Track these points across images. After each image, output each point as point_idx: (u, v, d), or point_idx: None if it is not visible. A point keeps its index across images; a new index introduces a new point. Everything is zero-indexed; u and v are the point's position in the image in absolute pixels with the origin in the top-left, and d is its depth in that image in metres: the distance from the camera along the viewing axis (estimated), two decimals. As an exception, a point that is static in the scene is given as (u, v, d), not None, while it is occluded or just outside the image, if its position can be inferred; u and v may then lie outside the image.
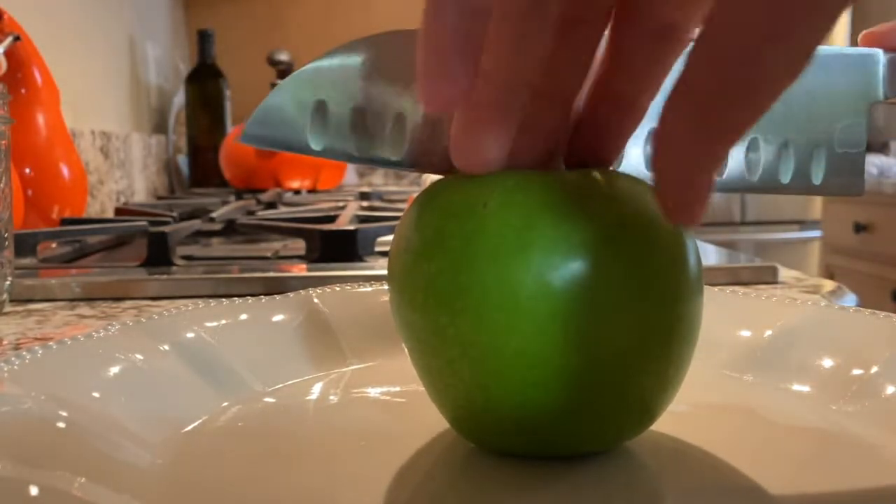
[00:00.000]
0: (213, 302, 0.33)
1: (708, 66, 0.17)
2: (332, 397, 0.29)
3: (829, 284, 0.49)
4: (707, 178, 0.19)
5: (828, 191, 0.27)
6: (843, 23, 2.30)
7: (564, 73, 0.22)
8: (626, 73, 0.22)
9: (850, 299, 0.47)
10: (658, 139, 0.19)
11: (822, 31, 0.16)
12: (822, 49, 0.23)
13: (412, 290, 0.22)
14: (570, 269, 0.20)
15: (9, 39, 0.66)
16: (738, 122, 0.18)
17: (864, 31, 0.26)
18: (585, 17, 0.21)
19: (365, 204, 0.91)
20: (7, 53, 0.66)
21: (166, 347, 0.29)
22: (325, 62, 0.24)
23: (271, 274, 0.51)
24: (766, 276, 0.51)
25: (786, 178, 0.27)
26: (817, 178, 0.27)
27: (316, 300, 0.35)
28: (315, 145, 0.25)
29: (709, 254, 0.60)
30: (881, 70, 0.26)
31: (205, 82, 1.33)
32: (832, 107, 0.26)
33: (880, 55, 0.26)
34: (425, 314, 0.22)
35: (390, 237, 0.59)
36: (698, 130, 0.18)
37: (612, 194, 0.21)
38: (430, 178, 0.25)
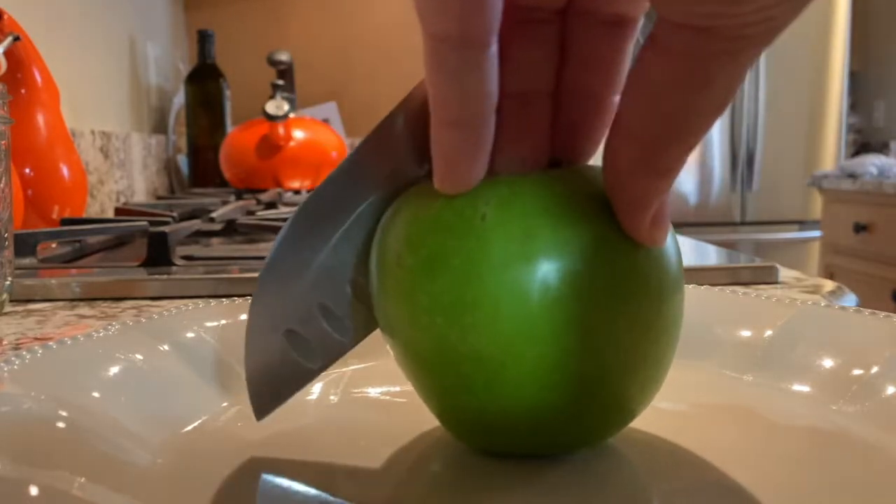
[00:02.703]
0: (213, 302, 0.33)
1: (644, 114, 0.19)
2: (332, 397, 0.29)
3: (829, 284, 0.49)
4: (658, 204, 0.20)
5: None
6: (843, 12, 2.30)
7: (531, 71, 0.23)
8: (587, 68, 0.23)
9: (850, 299, 0.47)
10: (607, 177, 0.21)
11: (738, 77, 0.18)
12: None
13: (413, 310, 0.22)
14: (575, 271, 0.20)
15: (9, 39, 0.66)
16: (677, 157, 0.20)
17: None
18: (537, 17, 0.22)
19: (365, 204, 0.90)
20: (7, 53, 0.66)
21: (166, 347, 0.29)
22: (266, 292, 0.25)
23: (271, 274, 0.51)
24: (766, 276, 0.51)
25: None
26: None
27: (316, 300, 0.35)
28: (314, 366, 0.25)
29: (709, 254, 0.60)
30: None
31: (205, 82, 1.33)
32: None
33: None
34: (431, 333, 0.21)
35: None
36: (643, 169, 0.20)
37: (597, 192, 0.22)
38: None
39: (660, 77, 0.18)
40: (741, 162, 2.35)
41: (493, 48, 0.19)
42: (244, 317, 0.32)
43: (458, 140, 0.20)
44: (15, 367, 0.24)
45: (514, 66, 0.22)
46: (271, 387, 0.25)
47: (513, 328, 0.20)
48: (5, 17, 0.67)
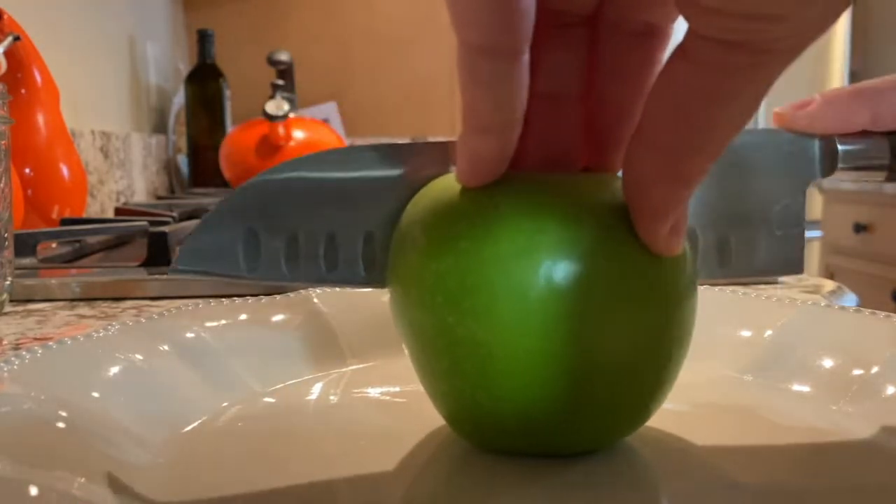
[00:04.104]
0: (212, 302, 0.33)
1: (669, 123, 0.19)
2: (332, 397, 0.30)
3: (829, 284, 0.49)
4: (678, 214, 0.21)
5: (767, 272, 0.28)
6: (843, 18, 2.30)
7: (561, 73, 0.23)
8: (617, 78, 0.23)
9: (850, 299, 0.47)
10: (627, 185, 0.21)
11: (764, 89, 0.18)
12: (759, 133, 0.26)
13: (419, 290, 0.22)
14: (578, 270, 0.20)
15: (9, 39, 0.66)
16: (700, 167, 0.20)
17: (775, 111, 0.26)
18: (567, 21, 0.22)
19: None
20: (7, 53, 0.66)
21: (166, 347, 0.29)
22: (253, 187, 0.25)
23: (271, 274, 0.51)
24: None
25: (726, 267, 0.27)
26: (758, 261, 0.27)
27: (316, 300, 0.35)
28: (249, 272, 0.25)
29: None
30: (816, 152, 0.27)
31: (205, 82, 1.33)
32: (770, 190, 0.27)
33: (815, 138, 0.27)
34: (432, 314, 0.22)
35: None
36: (666, 178, 0.20)
37: (618, 197, 0.22)
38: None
39: (686, 88, 0.19)
40: (741, 162, 2.35)
41: (525, 57, 0.19)
42: (244, 317, 0.32)
43: (485, 145, 0.21)
44: (15, 367, 0.24)
45: (544, 67, 0.22)
46: (203, 257, 0.25)
47: (507, 318, 0.20)
48: (5, 17, 0.67)
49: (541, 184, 0.22)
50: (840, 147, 0.27)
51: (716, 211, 0.24)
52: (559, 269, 0.20)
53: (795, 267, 0.27)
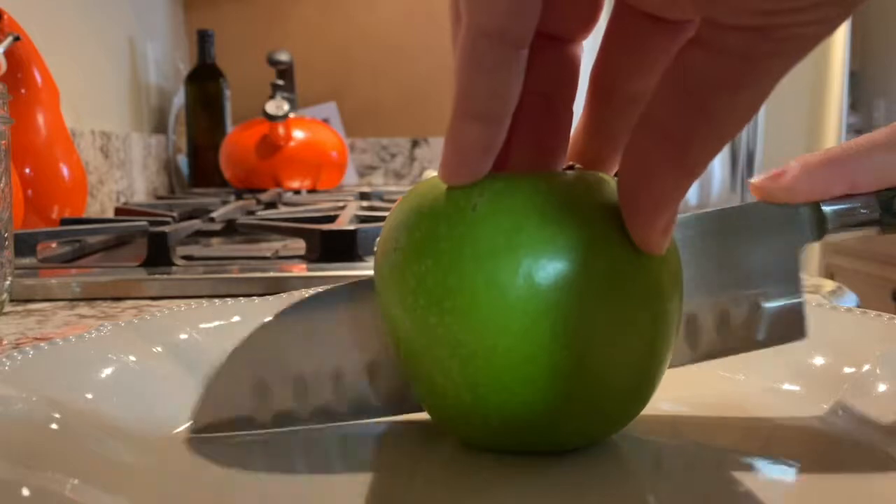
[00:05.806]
0: (205, 302, 0.33)
1: (683, 112, 0.19)
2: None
3: (829, 284, 0.49)
4: (672, 212, 0.21)
5: (771, 342, 0.27)
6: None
7: (551, 72, 0.23)
8: (634, 70, 0.23)
9: (850, 299, 0.47)
10: (627, 179, 0.21)
11: (778, 77, 0.18)
12: (745, 206, 0.26)
13: (402, 290, 0.22)
14: (556, 269, 0.21)
15: (9, 39, 0.66)
16: (710, 154, 0.20)
17: (752, 182, 0.26)
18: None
19: (365, 204, 0.91)
20: (7, 53, 0.66)
21: (159, 349, 0.29)
22: (258, 336, 0.26)
23: (271, 274, 0.51)
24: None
25: (726, 343, 0.27)
26: (760, 334, 0.27)
27: (310, 300, 0.35)
28: (263, 420, 0.26)
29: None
30: (805, 218, 0.27)
31: (205, 82, 1.33)
32: (764, 260, 0.27)
33: (800, 206, 0.27)
34: (415, 314, 0.22)
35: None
36: (673, 166, 0.20)
37: (598, 196, 0.22)
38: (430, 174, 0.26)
39: (702, 75, 0.19)
40: (741, 162, 2.35)
41: (526, 51, 0.20)
42: (237, 318, 0.32)
43: (475, 133, 0.21)
44: (6, 368, 0.24)
45: (539, 65, 0.22)
46: (219, 416, 0.26)
47: (487, 317, 0.21)
48: (5, 17, 0.67)
49: (520, 184, 0.22)
50: (828, 208, 0.26)
51: (711, 286, 0.24)
52: (538, 268, 0.20)
53: (798, 334, 0.27)
